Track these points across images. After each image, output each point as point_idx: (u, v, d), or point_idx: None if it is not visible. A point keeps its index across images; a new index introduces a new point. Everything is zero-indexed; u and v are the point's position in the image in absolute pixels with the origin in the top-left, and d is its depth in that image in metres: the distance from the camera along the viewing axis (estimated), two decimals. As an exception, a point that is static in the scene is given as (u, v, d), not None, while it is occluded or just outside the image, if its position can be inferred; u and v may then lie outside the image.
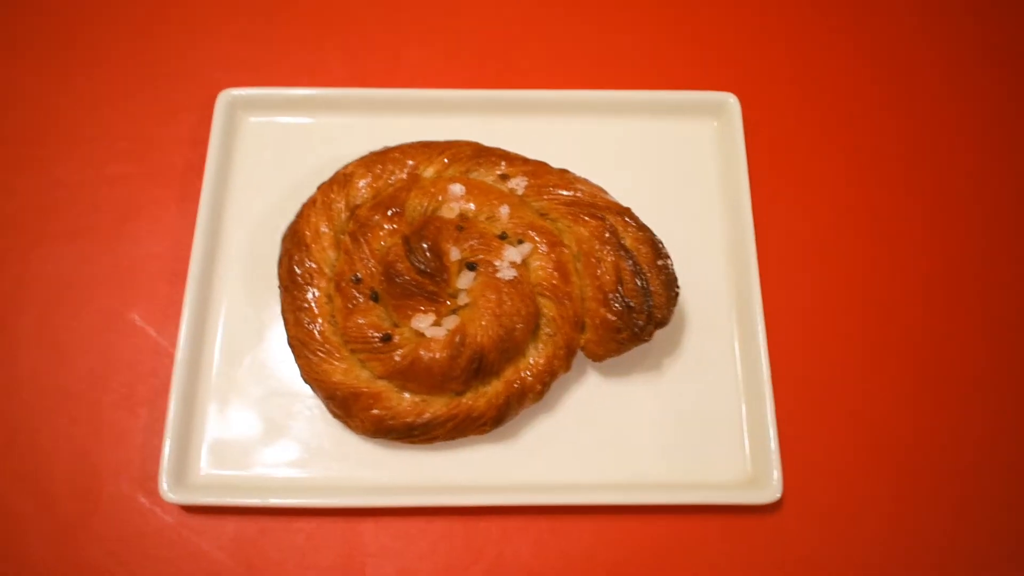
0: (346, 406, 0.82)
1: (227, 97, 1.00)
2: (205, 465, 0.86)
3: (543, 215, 0.90)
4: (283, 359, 0.89)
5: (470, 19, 1.11)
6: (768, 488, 0.85)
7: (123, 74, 1.06)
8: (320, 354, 0.83)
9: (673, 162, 1.02)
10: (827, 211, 1.02)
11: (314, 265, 0.86)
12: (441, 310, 0.83)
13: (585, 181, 0.93)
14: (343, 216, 0.89)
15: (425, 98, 1.01)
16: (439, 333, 0.81)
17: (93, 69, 1.06)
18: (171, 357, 0.91)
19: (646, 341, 0.84)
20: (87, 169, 1.01)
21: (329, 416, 0.87)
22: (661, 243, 0.87)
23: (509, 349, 0.82)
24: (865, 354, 0.94)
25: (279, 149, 1.00)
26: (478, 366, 0.81)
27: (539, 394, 0.84)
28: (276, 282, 0.90)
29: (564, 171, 0.93)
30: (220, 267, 0.94)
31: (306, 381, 0.85)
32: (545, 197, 0.90)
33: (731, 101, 1.02)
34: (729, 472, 0.87)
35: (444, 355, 0.80)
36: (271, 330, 0.91)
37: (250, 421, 0.88)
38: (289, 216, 0.95)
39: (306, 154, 1.00)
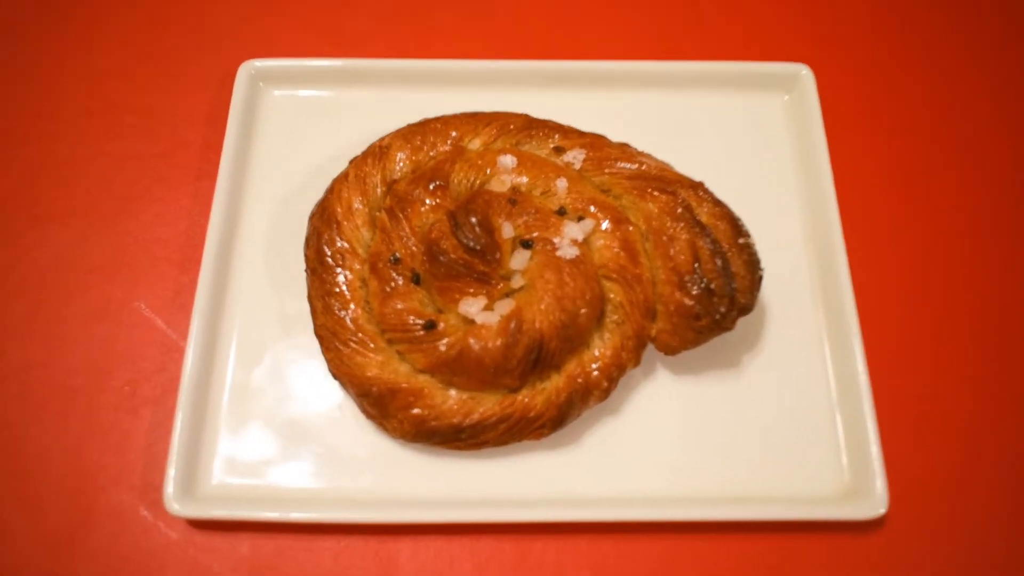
0: (382, 404, 0.71)
1: (249, 69, 0.91)
2: (217, 474, 0.75)
3: (605, 191, 0.79)
4: (310, 353, 0.78)
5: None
6: (870, 501, 0.73)
7: (131, 43, 0.97)
8: (352, 344, 0.72)
9: (739, 140, 0.92)
10: (919, 194, 0.91)
11: (346, 245, 0.76)
12: (493, 293, 0.72)
13: (648, 155, 0.82)
14: (379, 191, 0.78)
15: (465, 69, 0.92)
16: (491, 319, 0.70)
17: (97, 38, 0.97)
18: (181, 351, 0.81)
19: (728, 330, 0.73)
20: (89, 145, 0.91)
21: (362, 418, 0.76)
22: (740, 220, 0.76)
23: (572, 337, 0.71)
24: (972, 349, 0.83)
25: (305, 125, 0.91)
26: (537, 357, 0.69)
27: (605, 392, 0.72)
28: (302, 267, 0.79)
29: (624, 145, 0.83)
30: (238, 251, 0.84)
31: (335, 377, 0.74)
32: (606, 171, 0.79)
33: (804, 73, 0.92)
34: (823, 484, 0.76)
35: (498, 344, 0.69)
36: (296, 320, 0.80)
37: (270, 424, 0.77)
38: (316, 196, 0.84)
39: (334, 130, 0.90)
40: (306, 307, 0.78)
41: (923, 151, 0.94)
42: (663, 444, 0.76)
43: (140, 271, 0.85)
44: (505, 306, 0.71)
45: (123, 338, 0.82)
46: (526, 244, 0.73)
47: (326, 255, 0.76)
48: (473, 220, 0.72)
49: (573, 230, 0.73)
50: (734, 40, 0.99)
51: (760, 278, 0.74)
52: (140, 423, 0.79)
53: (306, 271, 0.78)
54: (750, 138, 0.92)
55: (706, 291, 0.72)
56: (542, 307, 0.70)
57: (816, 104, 0.90)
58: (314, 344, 0.77)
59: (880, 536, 0.75)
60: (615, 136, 0.84)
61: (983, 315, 0.85)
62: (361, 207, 0.77)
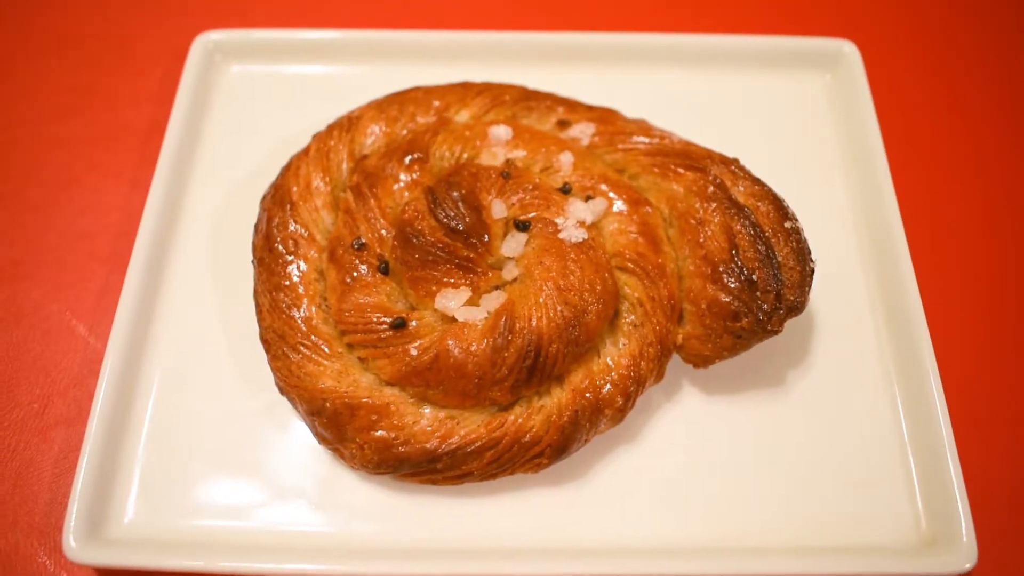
0: (338, 424, 0.56)
1: (204, 41, 0.79)
2: (132, 512, 0.60)
3: (619, 170, 0.65)
4: (256, 365, 0.63)
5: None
6: (955, 553, 0.57)
7: (72, 16, 0.85)
8: (303, 350, 0.58)
9: (775, 125, 0.79)
10: (984, 184, 0.77)
11: (300, 229, 0.62)
12: (479, 285, 0.57)
13: (668, 132, 0.69)
14: (344, 168, 0.65)
15: (453, 41, 0.80)
16: (476, 316, 0.56)
17: (32, 10, 0.85)
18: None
19: (775, 334, 0.58)
20: (17, 128, 0.79)
21: (316, 446, 0.61)
22: (785, 201, 0.62)
23: (579, 341, 0.56)
24: None
25: (267, 103, 0.79)
26: (533, 363, 0.55)
27: (620, 412, 0.57)
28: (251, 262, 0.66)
29: (641, 120, 0.69)
30: (178, 247, 0.71)
31: (283, 391, 0.60)
32: (620, 146, 0.66)
33: (847, 50, 0.80)
34: (893, 532, 0.60)
35: (484, 347, 0.54)
36: (241, 326, 0.66)
37: (202, 452, 0.62)
38: (272, 180, 0.71)
39: (300, 110, 0.78)
40: (250, 311, 0.64)
41: (984, 135, 0.80)
42: (690, 481, 0.61)
43: (63, 269, 0.72)
44: (494, 300, 0.56)
45: (36, 345, 0.69)
46: (521, 226, 0.59)
47: (276, 241, 0.62)
48: (455, 195, 0.59)
49: (580, 210, 0.60)
50: (768, 12, 0.86)
51: (812, 271, 0.60)
52: (48, 448, 0.65)
53: (253, 263, 0.64)
54: (787, 123, 0.79)
55: (747, 283, 0.57)
56: (541, 300, 0.55)
57: (864, 84, 0.78)
58: (262, 355, 0.62)
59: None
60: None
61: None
62: (322, 186, 0.64)
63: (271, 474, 0.61)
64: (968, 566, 0.57)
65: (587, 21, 0.83)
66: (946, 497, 0.59)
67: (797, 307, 0.58)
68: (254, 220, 0.69)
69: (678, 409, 0.64)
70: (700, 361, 0.60)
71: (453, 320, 0.56)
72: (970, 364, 0.68)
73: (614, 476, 0.61)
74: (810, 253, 0.61)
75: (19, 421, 0.65)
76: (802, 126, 0.78)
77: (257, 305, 0.62)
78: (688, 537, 0.59)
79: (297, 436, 0.62)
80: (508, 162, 0.63)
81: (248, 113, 0.77)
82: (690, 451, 0.62)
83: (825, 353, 0.67)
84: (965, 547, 0.57)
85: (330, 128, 0.68)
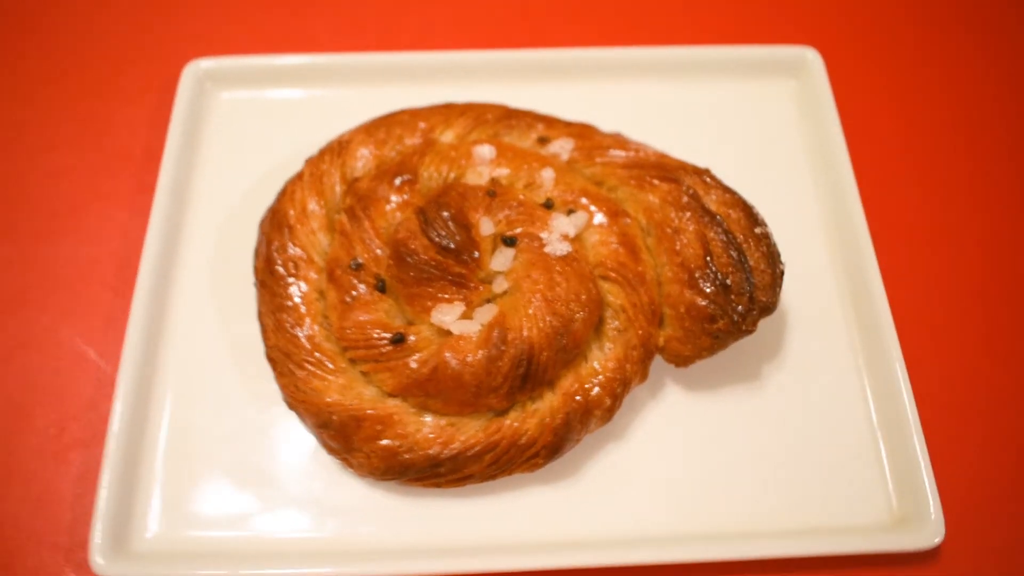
0: (345, 435, 0.60)
1: (195, 69, 0.81)
2: (154, 526, 0.63)
3: (597, 183, 0.69)
4: (262, 382, 0.67)
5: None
6: (924, 530, 0.62)
7: (66, 47, 0.88)
8: (308, 366, 0.62)
9: (743, 132, 0.82)
10: (946, 183, 0.82)
11: (300, 252, 0.65)
12: (471, 299, 0.61)
13: (644, 145, 0.73)
14: (337, 191, 0.68)
15: (435, 62, 0.83)
16: (470, 328, 0.59)
17: (28, 42, 0.87)
18: (115, 385, 0.69)
19: (749, 333, 0.62)
20: (19, 160, 0.81)
21: (325, 455, 0.64)
22: (755, 208, 0.66)
23: (567, 348, 0.60)
24: (1018, 354, 0.73)
25: (257, 129, 0.81)
26: (526, 371, 0.59)
27: (608, 412, 0.62)
28: (252, 284, 0.69)
29: (617, 134, 0.73)
30: (181, 271, 0.73)
31: (291, 406, 0.63)
32: (598, 160, 0.70)
33: (811, 57, 0.84)
34: (867, 513, 0.65)
35: (479, 357, 0.58)
36: (247, 345, 0.69)
37: (217, 468, 0.65)
38: (268, 203, 0.75)
39: (291, 134, 0.81)
40: (258, 329, 0.68)
41: (944, 134, 0.84)
42: (677, 473, 0.65)
43: (71, 296, 0.75)
44: (486, 313, 0.60)
45: (49, 371, 0.71)
46: (509, 241, 0.63)
47: (276, 264, 0.65)
48: (445, 215, 0.62)
49: (563, 224, 0.63)
50: (734, 24, 0.90)
51: (782, 273, 0.64)
52: (67, 470, 0.67)
53: (255, 285, 0.67)
54: (755, 129, 0.83)
55: (721, 288, 0.61)
56: (530, 312, 0.59)
57: (827, 89, 0.81)
58: (268, 372, 0.66)
59: (935, 569, 0.64)
60: (604, 129, 0.75)
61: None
62: (318, 209, 0.67)
63: (282, 483, 0.64)
64: (937, 540, 0.62)
65: (565, 38, 0.86)
66: (914, 478, 0.64)
67: (769, 307, 0.63)
68: (252, 243, 0.73)
69: (662, 406, 0.68)
70: (681, 361, 0.64)
71: (449, 333, 0.60)
72: (934, 352, 0.72)
73: (605, 472, 0.65)
74: (779, 256, 0.65)
75: (37, 446, 0.68)
76: (770, 132, 0.82)
77: (262, 325, 0.65)
78: (676, 526, 0.63)
79: (305, 447, 0.66)
80: (493, 180, 0.67)
81: (240, 138, 0.80)
82: (675, 445, 0.66)
83: (797, 348, 0.71)
84: (933, 524, 0.62)
85: (322, 152, 0.71)
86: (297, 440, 0.66)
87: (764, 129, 0.82)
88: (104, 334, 0.73)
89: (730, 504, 0.64)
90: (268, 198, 0.76)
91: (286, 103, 0.82)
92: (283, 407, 0.65)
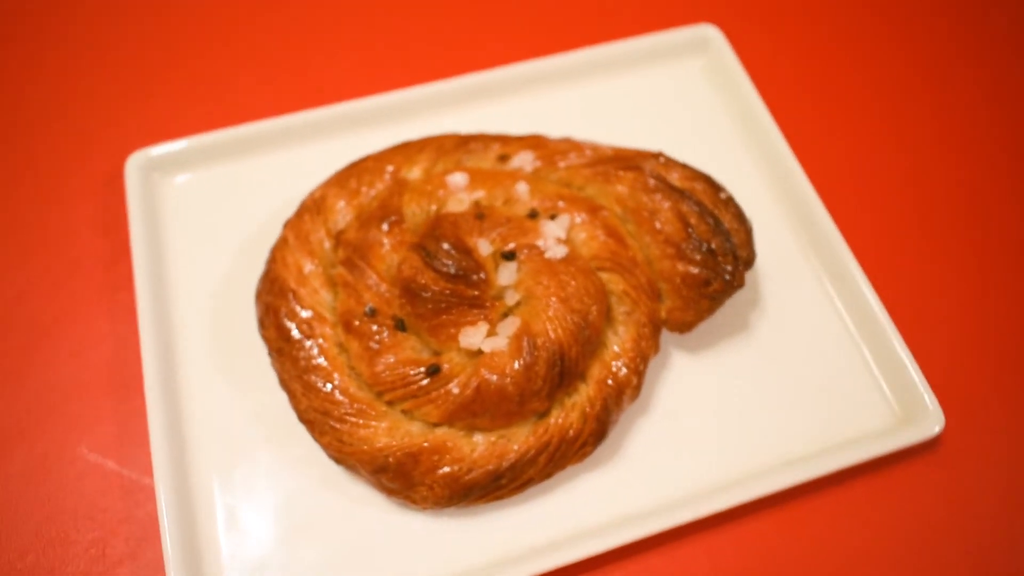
0: (404, 474, 0.62)
1: (138, 160, 0.81)
2: (233, 613, 0.63)
3: (567, 186, 0.74)
4: (295, 444, 0.68)
5: (393, 12, 0.96)
6: (926, 420, 0.69)
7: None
8: (350, 419, 0.63)
9: (671, 113, 0.89)
10: (857, 107, 0.91)
11: (309, 312, 0.67)
12: (491, 316, 0.65)
13: (593, 143, 0.78)
14: (327, 247, 0.70)
15: (372, 107, 0.85)
16: (500, 344, 0.63)
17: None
18: (146, 490, 0.69)
19: (740, 287, 0.69)
20: (-25, 291, 0.78)
21: (380, 501, 0.66)
22: (713, 177, 0.73)
23: (590, 339, 0.64)
24: (966, 239, 0.82)
25: (217, 206, 0.81)
26: (561, 369, 0.63)
27: (636, 388, 0.66)
28: (256, 357, 0.70)
29: (566, 138, 0.78)
30: (182, 360, 0.73)
31: (339, 460, 0.65)
32: (561, 164, 0.74)
33: (712, 34, 0.91)
34: (874, 420, 0.72)
35: (516, 368, 0.62)
36: (270, 416, 0.70)
37: (278, 539, 0.65)
38: (251, 277, 0.76)
39: (251, 203, 0.81)
40: (275, 398, 0.69)
41: (843, 65, 0.94)
42: (706, 428, 0.71)
43: (73, 411, 0.73)
44: (509, 326, 0.64)
45: (73, 493, 0.69)
46: (508, 256, 0.66)
47: (290, 330, 0.66)
48: (446, 246, 0.65)
49: (553, 228, 0.68)
50: (637, 14, 0.97)
51: (751, 228, 0.71)
52: (119, 587, 0.66)
53: (270, 355, 0.68)
54: (680, 108, 0.89)
55: (708, 253, 0.67)
56: (550, 314, 0.63)
57: (734, 59, 0.89)
58: (299, 435, 0.67)
59: (940, 455, 0.72)
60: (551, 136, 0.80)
61: (961, 202, 0.84)
62: (313, 268, 0.69)
63: (345, 536, 0.65)
64: (937, 428, 0.69)
65: (486, 61, 0.91)
66: (903, 376, 0.71)
67: (750, 261, 0.69)
68: (244, 316, 0.74)
69: (675, 374, 0.73)
70: (684, 327, 0.70)
71: (478, 354, 0.63)
72: (891, 260, 0.80)
73: (642, 446, 0.69)
74: (745, 214, 0.71)
75: (81, 571, 0.67)
76: (695, 108, 0.89)
77: (289, 392, 0.66)
78: (718, 475, 0.68)
79: (358, 497, 0.67)
80: (476, 204, 0.70)
81: (202, 218, 0.80)
82: (696, 404, 0.71)
83: (774, 293, 0.78)
84: (932, 414, 0.70)
85: (300, 213, 0.73)
86: (346, 490, 0.67)
87: (687, 107, 0.89)
88: (118, 441, 0.72)
89: (754, 446, 0.70)
90: (248, 270, 0.77)
91: (237, 174, 0.83)
92: (324, 464, 0.66)
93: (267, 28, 0.95)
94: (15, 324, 0.77)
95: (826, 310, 0.76)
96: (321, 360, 0.65)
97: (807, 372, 0.73)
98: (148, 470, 0.70)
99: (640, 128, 0.87)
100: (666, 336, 0.73)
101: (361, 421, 0.63)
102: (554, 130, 0.83)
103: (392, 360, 0.64)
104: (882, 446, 0.69)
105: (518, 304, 0.65)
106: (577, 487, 0.68)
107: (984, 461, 0.72)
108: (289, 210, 0.80)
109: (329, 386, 0.64)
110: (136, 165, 0.80)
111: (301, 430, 0.68)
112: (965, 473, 0.71)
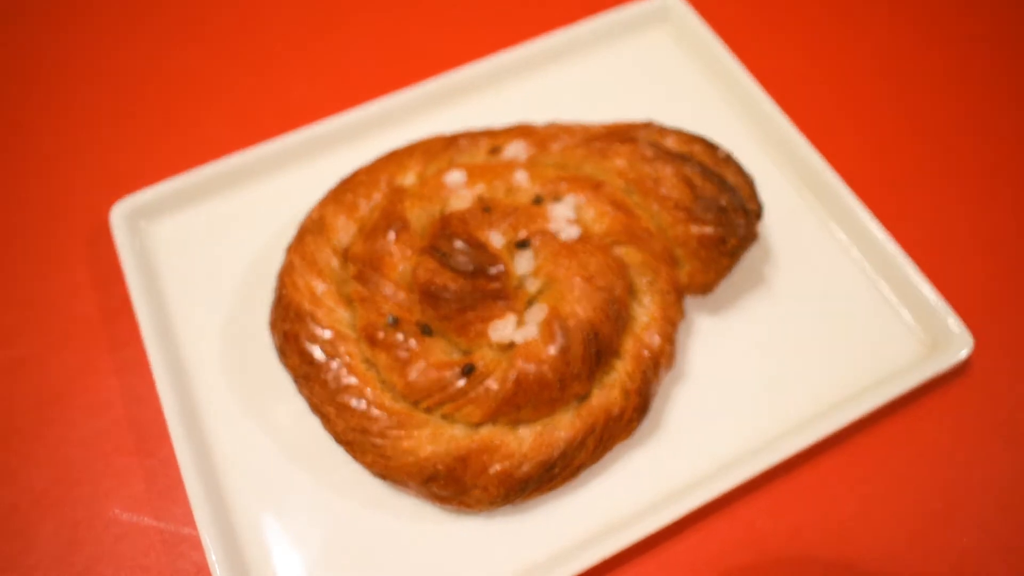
0: (455, 479, 0.61)
1: (123, 209, 0.78)
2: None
3: (564, 168, 0.73)
4: (334, 468, 0.66)
5: (351, 26, 0.95)
6: (955, 343, 0.70)
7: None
8: (391, 432, 0.62)
9: (648, 83, 0.89)
10: (831, 47, 0.92)
11: (329, 332, 0.65)
12: (517, 307, 0.64)
13: (580, 123, 0.77)
14: (335, 265, 0.69)
15: (353, 120, 0.84)
16: (531, 333, 0.62)
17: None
18: (189, 541, 0.67)
19: (755, 240, 0.69)
20: (-26, 369, 0.75)
21: (431, 512, 0.65)
22: (707, 137, 0.73)
23: (620, 315, 0.64)
24: (968, 157, 0.83)
25: (209, 243, 0.79)
26: (597, 348, 0.62)
27: (671, 356, 0.66)
28: (276, 390, 0.69)
29: (552, 123, 0.78)
30: (204, 407, 0.71)
31: (383, 476, 0.63)
32: (554, 148, 0.74)
33: (672, 2, 0.91)
34: (905, 353, 0.72)
35: (552, 354, 0.61)
36: (302, 446, 0.68)
37: (330, 569, 0.64)
38: (258, 309, 0.74)
39: (245, 234, 0.79)
40: (303, 425, 0.67)
41: (813, 13, 0.95)
42: (742, 385, 0.70)
43: (99, 474, 0.70)
44: (537, 313, 0.63)
45: (113, 558, 0.67)
46: (522, 244, 0.66)
47: (313, 353, 0.65)
48: (459, 244, 0.64)
49: (562, 210, 0.67)
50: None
51: (753, 181, 0.71)
52: (178, 643, 0.64)
53: (296, 382, 0.66)
54: (657, 77, 0.89)
55: (720, 211, 0.67)
56: (576, 295, 0.62)
57: (698, 20, 0.89)
58: (334, 459, 0.65)
59: (973, 376, 0.72)
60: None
61: (953, 115, 0.86)
62: (325, 287, 0.67)
63: (402, 554, 0.64)
64: (966, 352, 0.70)
65: (459, 58, 0.90)
66: (925, 304, 0.72)
67: (759, 212, 0.69)
68: (256, 350, 0.72)
69: (701, 339, 0.72)
70: (706, 289, 0.69)
71: (510, 346, 0.62)
72: (891, 190, 0.81)
73: (683, 413, 0.69)
74: (744, 167, 0.71)
75: (135, 635, 0.64)
76: (669, 75, 0.89)
77: (322, 416, 0.65)
78: (759, 432, 0.68)
79: (407, 511, 0.65)
80: (480, 198, 0.69)
81: (197, 259, 0.78)
82: (722, 365, 0.71)
83: (783, 243, 0.78)
84: (959, 336, 0.70)
85: (301, 236, 0.71)
86: (393, 508, 0.66)
87: (663, 75, 0.89)
88: (151, 496, 0.69)
89: (793, 396, 0.70)
90: (252, 302, 0.75)
91: (225, 211, 0.81)
92: (368, 484, 0.65)
93: (225, 60, 0.93)
94: (23, 392, 0.74)
95: (837, 252, 0.77)
96: (351, 379, 0.64)
97: (829, 317, 0.74)
98: (186, 520, 0.68)
99: (622, 103, 0.86)
100: (688, 301, 0.73)
101: (403, 433, 0.62)
102: (537, 118, 0.83)
103: (424, 366, 0.62)
104: (916, 376, 0.69)
105: (541, 291, 0.64)
106: (625, 465, 0.67)
107: (1017, 377, 0.72)
108: (283, 237, 0.78)
109: (363, 403, 0.63)
110: (121, 214, 0.78)
111: (337, 455, 0.67)
112: (998, 393, 0.72)
